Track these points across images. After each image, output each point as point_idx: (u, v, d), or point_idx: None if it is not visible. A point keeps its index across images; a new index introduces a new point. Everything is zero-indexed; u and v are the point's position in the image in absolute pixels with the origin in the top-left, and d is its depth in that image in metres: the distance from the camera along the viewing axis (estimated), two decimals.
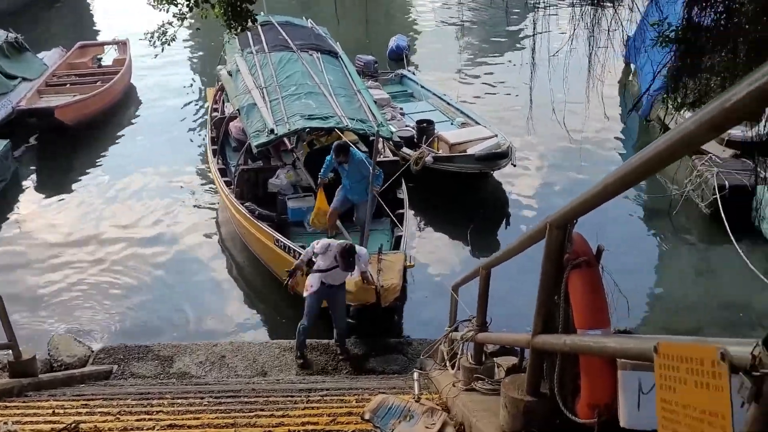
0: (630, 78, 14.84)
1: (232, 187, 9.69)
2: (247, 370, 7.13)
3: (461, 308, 5.09)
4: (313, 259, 7.05)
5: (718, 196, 9.29)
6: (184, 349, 7.48)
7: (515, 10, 19.06)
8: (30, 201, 11.81)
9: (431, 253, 10.07)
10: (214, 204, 11.28)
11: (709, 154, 10.16)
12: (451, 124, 12.55)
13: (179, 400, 4.87)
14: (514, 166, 11.16)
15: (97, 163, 13.13)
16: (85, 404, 4.64)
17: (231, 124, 11.11)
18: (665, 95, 6.42)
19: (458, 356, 4.28)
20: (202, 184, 11.99)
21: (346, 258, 6.59)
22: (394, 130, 10.39)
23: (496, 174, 11.33)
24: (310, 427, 3.68)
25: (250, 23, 7.76)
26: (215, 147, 11.03)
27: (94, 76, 15.73)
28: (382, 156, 10.37)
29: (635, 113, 11.85)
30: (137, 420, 3.95)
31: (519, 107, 12.76)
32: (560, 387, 2.48)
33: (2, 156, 11.79)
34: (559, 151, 12.53)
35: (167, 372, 7.09)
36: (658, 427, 1.52)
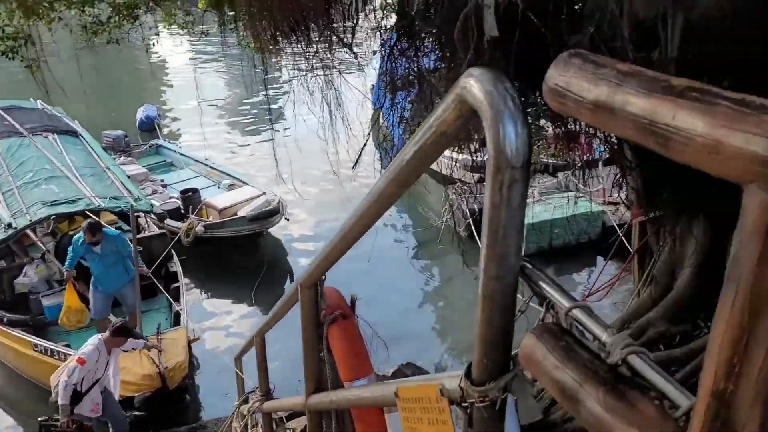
0: (381, 121, 15.96)
1: None
2: None
3: (248, 379, 4.94)
4: (78, 389, 5.80)
5: (470, 219, 10.32)
6: None
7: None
8: None
9: (217, 322, 9.67)
10: None
11: (458, 182, 11.28)
12: (218, 187, 12.34)
13: None
14: (288, 219, 11.26)
15: None
16: None
17: None
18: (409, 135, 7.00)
19: (249, 430, 4.12)
20: None
21: None
22: (156, 203, 9.89)
23: (272, 230, 11.34)
24: None
25: None
26: None
27: None
28: (147, 231, 9.82)
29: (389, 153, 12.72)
30: None
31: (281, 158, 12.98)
32: None
33: None
34: (328, 195, 12.85)
35: None
36: None
